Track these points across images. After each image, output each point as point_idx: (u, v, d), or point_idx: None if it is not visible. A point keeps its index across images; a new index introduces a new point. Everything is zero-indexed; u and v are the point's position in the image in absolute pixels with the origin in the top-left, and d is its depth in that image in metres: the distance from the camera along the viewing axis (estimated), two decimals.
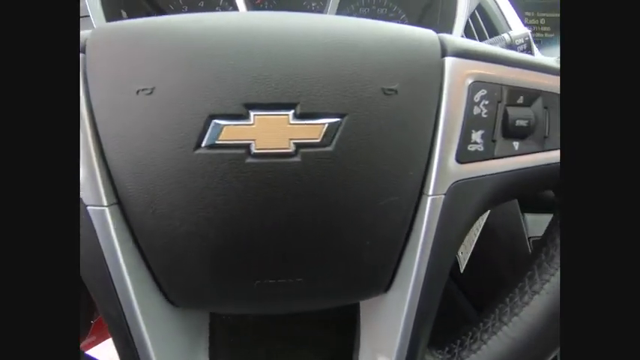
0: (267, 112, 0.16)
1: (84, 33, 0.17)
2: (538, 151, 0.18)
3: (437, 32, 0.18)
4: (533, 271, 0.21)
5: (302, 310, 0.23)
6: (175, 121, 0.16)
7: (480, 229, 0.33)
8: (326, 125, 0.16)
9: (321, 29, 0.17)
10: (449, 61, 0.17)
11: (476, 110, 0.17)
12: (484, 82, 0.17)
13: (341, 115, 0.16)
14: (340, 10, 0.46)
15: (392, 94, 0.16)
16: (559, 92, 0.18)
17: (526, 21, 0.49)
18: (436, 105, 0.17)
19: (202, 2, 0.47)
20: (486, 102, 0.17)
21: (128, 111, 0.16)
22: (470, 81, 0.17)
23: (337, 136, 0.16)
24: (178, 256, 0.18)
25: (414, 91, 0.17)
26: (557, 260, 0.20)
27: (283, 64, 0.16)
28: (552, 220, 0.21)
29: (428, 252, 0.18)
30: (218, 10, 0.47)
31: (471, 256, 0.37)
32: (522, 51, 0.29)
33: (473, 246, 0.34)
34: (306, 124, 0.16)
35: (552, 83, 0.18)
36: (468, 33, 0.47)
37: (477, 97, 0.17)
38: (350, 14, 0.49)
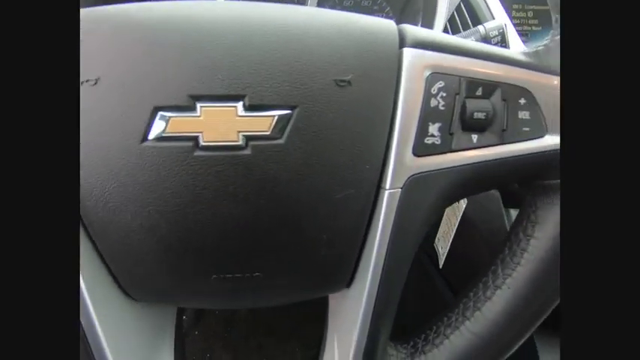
0: (214, 104, 0.15)
1: None
2: (497, 144, 0.18)
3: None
4: (496, 265, 0.20)
5: (265, 305, 0.22)
6: (121, 113, 0.15)
7: (456, 225, 0.32)
8: (275, 117, 0.16)
9: (272, 19, 0.16)
10: (407, 52, 0.17)
11: (433, 102, 0.17)
12: (442, 73, 0.17)
13: (291, 107, 0.16)
14: (322, 3, 0.46)
15: (345, 85, 0.16)
16: (518, 84, 0.18)
17: (513, 14, 0.48)
18: (393, 97, 0.17)
19: None
20: (444, 94, 0.17)
21: None
22: (427, 72, 0.17)
23: (288, 128, 0.16)
24: (133, 251, 0.17)
25: (370, 82, 0.17)
26: (520, 255, 0.19)
27: (231, 54, 0.15)
28: (518, 216, 0.21)
29: (385, 246, 0.18)
30: None
31: (453, 251, 0.37)
32: (496, 43, 0.29)
33: (450, 241, 0.34)
34: (254, 116, 0.15)
35: (511, 75, 0.18)
36: (452, 25, 0.46)
37: (434, 89, 0.17)
38: (333, 6, 0.48)
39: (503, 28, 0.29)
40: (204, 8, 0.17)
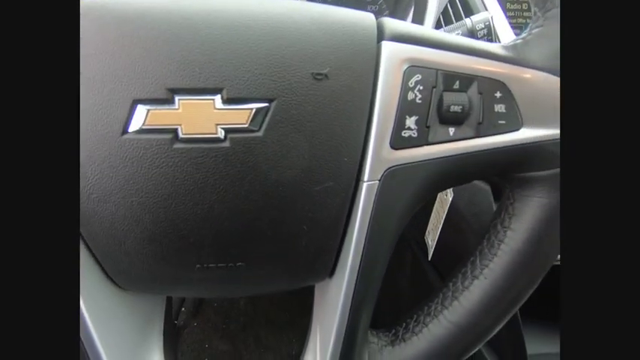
0: (192, 97, 0.16)
1: None
2: (473, 137, 0.18)
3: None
4: (475, 256, 0.21)
5: (249, 294, 0.23)
6: (101, 106, 0.16)
7: (443, 217, 0.33)
8: (253, 110, 0.16)
9: (250, 12, 0.16)
10: (385, 46, 0.17)
11: (410, 96, 0.17)
12: (419, 66, 0.17)
13: (269, 100, 0.16)
14: None
15: (322, 78, 0.16)
16: (494, 77, 0.18)
17: (507, 6, 0.48)
18: (371, 90, 0.17)
19: None
20: (421, 87, 0.17)
21: None
22: (405, 66, 0.17)
23: (266, 121, 0.16)
24: (117, 241, 0.18)
25: (347, 76, 0.17)
26: (497, 247, 0.20)
27: (209, 47, 0.15)
28: (497, 208, 0.21)
29: (364, 237, 0.18)
30: None
31: (444, 243, 0.37)
32: (482, 36, 0.29)
33: (438, 233, 0.35)
34: (232, 109, 0.16)
35: (488, 68, 0.18)
36: (445, 17, 0.46)
37: (411, 83, 0.17)
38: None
39: (489, 21, 0.29)
40: (182, 1, 0.17)
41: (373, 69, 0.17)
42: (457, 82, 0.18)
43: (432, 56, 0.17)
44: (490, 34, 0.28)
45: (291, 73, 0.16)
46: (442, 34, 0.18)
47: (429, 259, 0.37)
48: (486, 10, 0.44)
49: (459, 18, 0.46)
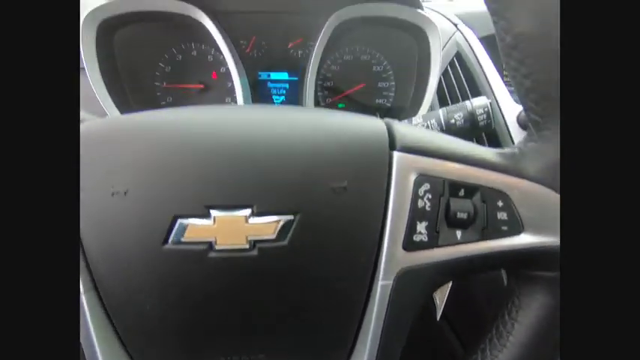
0: (226, 213, 0.17)
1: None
2: (479, 240, 0.19)
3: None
4: (485, 345, 0.22)
5: None
6: (145, 221, 0.17)
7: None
8: (280, 223, 0.18)
9: (271, 134, 0.19)
10: (396, 156, 0.19)
11: (420, 203, 0.19)
12: (428, 175, 0.19)
13: (294, 213, 0.18)
14: (325, 56, 0.49)
15: (341, 192, 0.18)
16: (496, 187, 0.19)
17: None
18: (384, 198, 0.19)
19: (195, 52, 0.50)
20: (429, 196, 0.19)
21: (104, 210, 0.18)
22: (414, 176, 0.19)
23: (291, 232, 0.18)
24: (150, 336, 0.19)
25: (363, 186, 0.19)
26: (506, 338, 0.21)
27: (238, 168, 0.18)
28: (504, 296, 0.22)
29: (379, 333, 0.19)
30: (210, 60, 0.49)
31: (452, 294, 0.38)
32: (482, 120, 0.31)
33: (446, 295, 0.35)
34: (261, 223, 0.18)
35: (490, 177, 0.19)
36: (446, 78, 0.49)
37: (420, 192, 0.19)
38: (335, 60, 0.51)
39: (488, 107, 0.31)
40: (216, 121, 0.19)
41: (386, 178, 0.19)
42: (462, 190, 0.19)
43: (439, 167, 0.19)
44: (489, 118, 0.31)
45: (312, 188, 0.18)
46: (448, 144, 0.20)
47: (437, 318, 0.38)
48: (484, 72, 0.47)
49: (458, 79, 0.49)
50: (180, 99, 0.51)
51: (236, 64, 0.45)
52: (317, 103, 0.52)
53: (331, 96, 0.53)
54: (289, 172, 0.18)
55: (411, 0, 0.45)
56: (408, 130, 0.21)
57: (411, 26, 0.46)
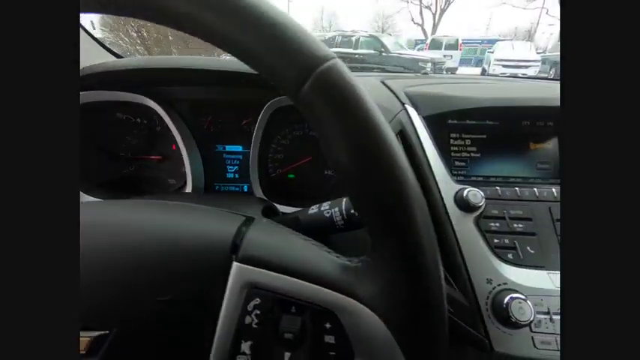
0: None
1: None
2: None
3: None
4: None
5: None
6: None
7: None
8: (89, 339, 0.17)
9: (110, 238, 0.19)
10: (234, 267, 0.18)
11: (247, 320, 0.18)
12: (259, 289, 0.18)
13: (110, 328, 0.17)
14: (274, 133, 0.52)
15: (169, 304, 0.17)
16: (327, 306, 0.18)
17: (451, 142, 0.52)
18: (216, 313, 0.18)
19: (159, 127, 0.55)
20: (258, 312, 0.18)
21: None
22: (246, 289, 0.18)
23: (104, 347, 0.17)
24: None
25: (196, 299, 0.18)
26: None
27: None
28: None
29: None
30: (171, 134, 0.55)
31: None
32: None
33: None
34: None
35: (320, 295, 0.18)
36: None
37: (250, 306, 0.18)
38: (285, 136, 0.55)
39: None
40: None
41: (220, 291, 0.18)
42: (293, 308, 0.18)
43: (273, 281, 0.18)
44: None
45: (134, 300, 0.17)
46: (292, 255, 0.19)
47: None
48: (430, 166, 0.48)
49: None
50: (143, 168, 0.56)
51: (185, 141, 0.50)
52: (267, 174, 0.55)
53: (281, 167, 0.55)
54: (107, 286, 0.18)
55: None
56: (259, 236, 0.20)
57: None
